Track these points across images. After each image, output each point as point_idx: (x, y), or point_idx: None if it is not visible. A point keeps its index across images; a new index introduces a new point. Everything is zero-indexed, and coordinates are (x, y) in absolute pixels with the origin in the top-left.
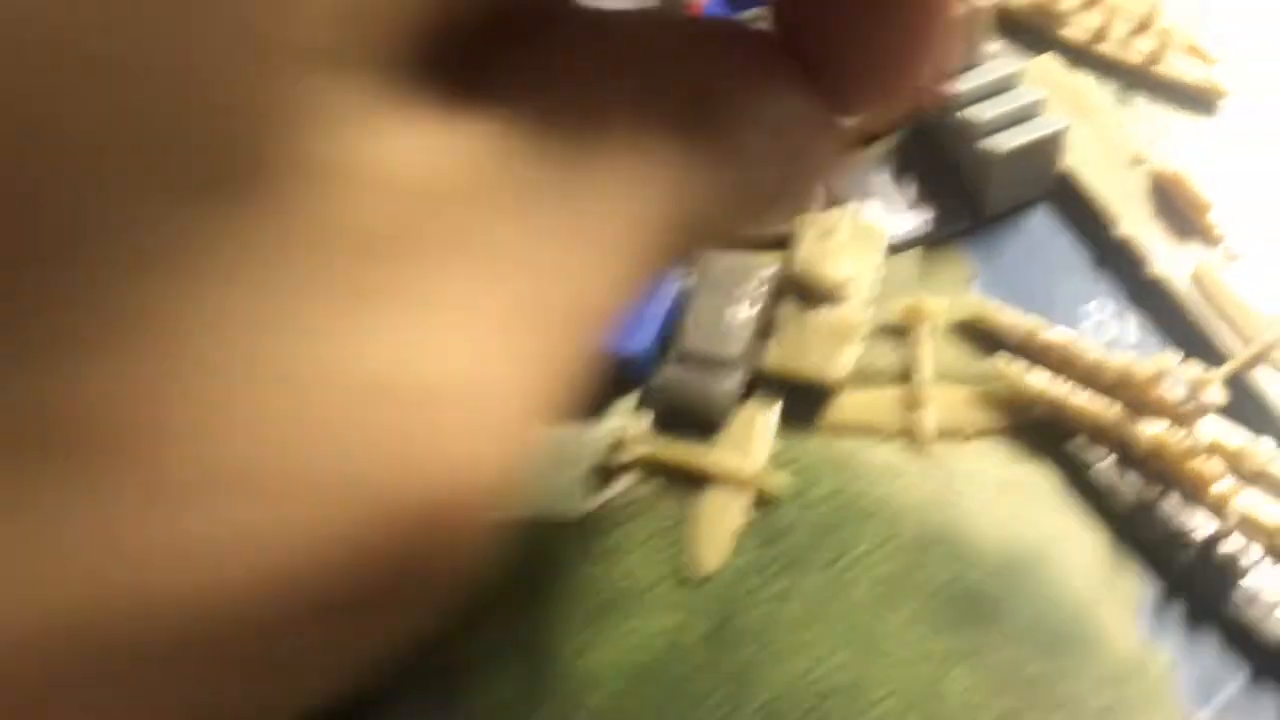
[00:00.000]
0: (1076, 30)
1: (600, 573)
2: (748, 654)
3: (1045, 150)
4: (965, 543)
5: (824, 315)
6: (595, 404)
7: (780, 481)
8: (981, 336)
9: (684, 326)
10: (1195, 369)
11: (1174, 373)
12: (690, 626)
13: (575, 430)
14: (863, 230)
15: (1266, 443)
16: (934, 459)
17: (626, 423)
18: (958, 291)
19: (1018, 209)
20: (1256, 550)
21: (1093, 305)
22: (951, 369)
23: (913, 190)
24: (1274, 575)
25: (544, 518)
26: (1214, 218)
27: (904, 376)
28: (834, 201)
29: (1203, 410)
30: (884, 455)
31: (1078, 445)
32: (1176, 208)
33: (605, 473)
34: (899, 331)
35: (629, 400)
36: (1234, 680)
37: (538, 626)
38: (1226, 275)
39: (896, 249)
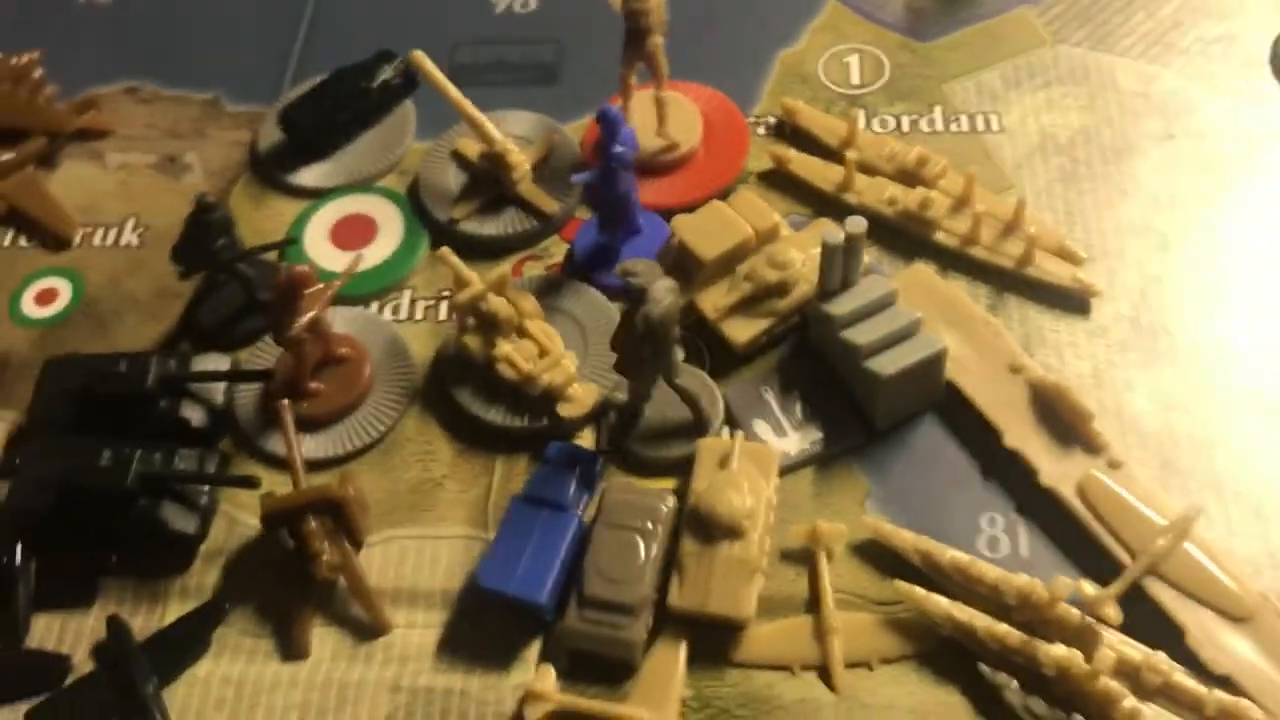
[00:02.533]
0: (948, 236)
1: None
2: None
3: (928, 369)
4: None
5: (726, 551)
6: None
7: None
8: (881, 557)
9: (585, 571)
10: (1091, 588)
11: (1071, 592)
12: None
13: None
14: (756, 453)
15: (1162, 656)
16: (848, 690)
17: (534, 675)
18: (853, 511)
19: (905, 423)
20: None
21: (984, 520)
22: (854, 592)
23: (798, 410)
24: None
25: None
26: (1096, 426)
27: (809, 604)
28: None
29: (1099, 632)
30: (799, 689)
31: (985, 669)
32: (1058, 416)
33: None
34: (799, 557)
35: (531, 650)
36: None
37: None
38: (1111, 484)
39: (788, 470)
